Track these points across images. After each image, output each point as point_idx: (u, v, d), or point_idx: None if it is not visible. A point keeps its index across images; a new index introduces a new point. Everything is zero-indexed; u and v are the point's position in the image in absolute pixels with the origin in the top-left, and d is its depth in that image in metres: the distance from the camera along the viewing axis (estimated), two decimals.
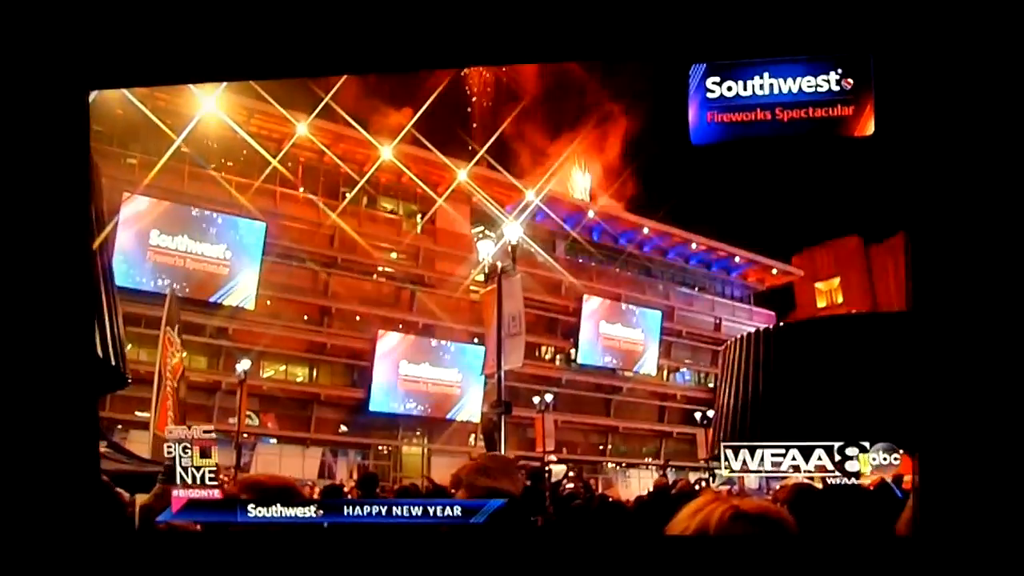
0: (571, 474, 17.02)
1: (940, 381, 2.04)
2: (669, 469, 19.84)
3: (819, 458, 2.04)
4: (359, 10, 2.74)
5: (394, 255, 18.51)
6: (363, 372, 17.14)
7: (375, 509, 2.79)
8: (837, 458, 2.02)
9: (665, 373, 21.23)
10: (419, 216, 18.80)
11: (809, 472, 2.03)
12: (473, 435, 17.49)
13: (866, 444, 2.00)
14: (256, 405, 15.59)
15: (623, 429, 20.31)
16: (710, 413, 15.26)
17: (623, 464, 20.36)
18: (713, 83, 2.54)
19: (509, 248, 17.41)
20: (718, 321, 21.75)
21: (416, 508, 2.79)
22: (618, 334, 19.74)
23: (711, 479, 17.99)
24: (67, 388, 2.80)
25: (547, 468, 16.29)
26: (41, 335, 2.72)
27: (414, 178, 17.33)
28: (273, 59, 2.90)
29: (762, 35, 2.43)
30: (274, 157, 15.64)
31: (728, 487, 18.85)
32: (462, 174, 17.89)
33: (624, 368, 20.03)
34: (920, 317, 2.01)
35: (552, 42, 2.57)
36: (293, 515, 2.84)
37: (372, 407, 16.76)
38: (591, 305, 19.43)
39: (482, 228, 18.57)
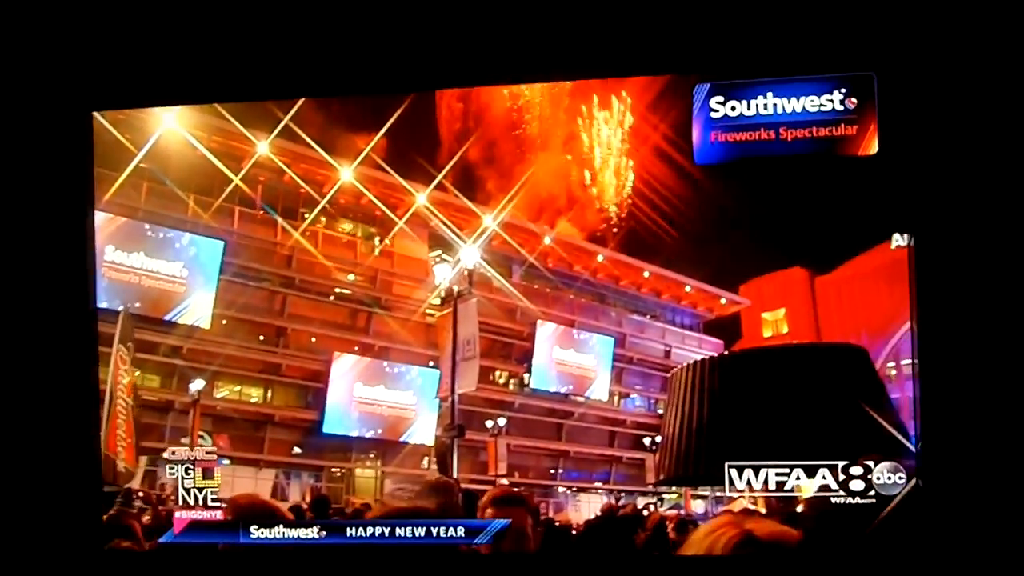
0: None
1: (944, 391, 2.17)
2: (619, 494, 20.17)
3: (823, 477, 2.14)
4: (360, 33, 2.90)
5: (352, 277, 18.56)
6: (318, 394, 17.11)
7: (378, 530, 2.82)
8: (842, 477, 2.13)
9: (616, 399, 21.54)
10: (377, 239, 18.91)
11: (812, 492, 2.11)
12: (427, 458, 17.54)
13: (870, 463, 2.08)
14: (209, 425, 15.45)
15: (574, 453, 20.54)
16: (659, 439, 15.61)
17: (574, 488, 20.57)
18: (717, 102, 2.55)
19: (466, 273, 17.62)
20: (668, 348, 22.17)
21: (420, 529, 2.82)
22: (571, 360, 20.01)
23: (659, 504, 18.33)
24: (69, 410, 2.88)
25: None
26: (41, 354, 2.82)
27: (374, 200, 17.45)
28: (271, 80, 3.07)
29: (766, 55, 2.51)
30: (234, 176, 15.67)
31: (676, 511, 19.22)
32: (421, 198, 18.05)
33: (576, 393, 20.28)
34: (924, 328, 2.15)
35: (557, 61, 2.74)
36: (296, 536, 2.88)
37: (326, 429, 16.73)
38: (545, 331, 19.68)
39: (439, 252, 18.76)
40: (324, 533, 2.87)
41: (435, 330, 18.02)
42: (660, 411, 20.11)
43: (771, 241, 19.70)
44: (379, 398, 17.35)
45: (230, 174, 15.68)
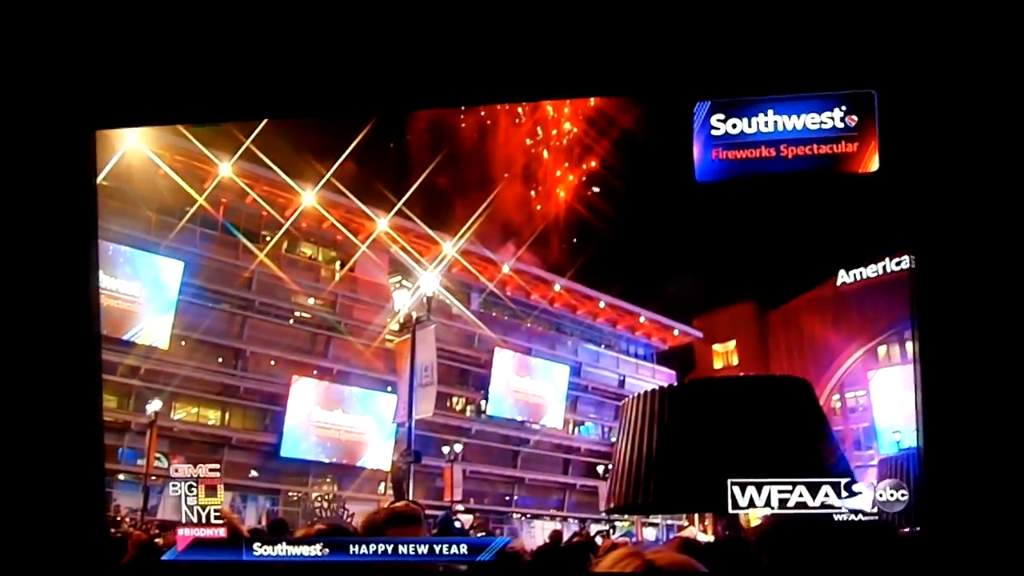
0: (478, 524, 17.28)
1: (946, 408, 2.01)
2: (572, 520, 20.34)
3: (825, 494, 2.05)
4: (361, 53, 2.98)
5: (312, 301, 18.57)
6: (276, 417, 17.00)
7: (380, 548, 2.78)
8: (844, 494, 2.02)
9: (571, 427, 21.80)
10: (338, 263, 18.98)
11: (815, 509, 2.03)
12: (383, 483, 17.52)
13: (872, 481, 2.03)
14: (166, 447, 15.23)
15: (529, 480, 20.69)
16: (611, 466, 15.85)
17: (528, 515, 20.69)
18: (718, 120, 2.53)
19: (425, 299, 17.77)
20: (622, 378, 22.55)
21: (422, 546, 2.80)
22: (527, 387, 20.24)
23: (611, 531, 18.54)
24: (72, 435, 2.88)
25: (456, 519, 16.48)
26: (44, 377, 2.83)
27: (337, 224, 17.57)
28: (273, 100, 3.14)
29: (767, 73, 2.50)
30: (197, 196, 15.67)
31: (628, 539, 19.47)
32: (382, 223, 18.22)
33: (532, 421, 20.49)
34: (926, 345, 1.99)
35: (560, 79, 2.68)
36: (298, 554, 2.87)
37: (283, 452, 16.61)
38: (503, 358, 19.89)
39: (399, 278, 18.88)
40: (327, 551, 2.85)
41: (393, 355, 18.05)
42: (613, 439, 20.41)
43: (723, 276, 20.34)
44: (337, 422, 17.32)
45: (194, 194, 15.68)
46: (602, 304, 22.38)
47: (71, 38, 3.02)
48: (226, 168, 15.99)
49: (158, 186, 15.56)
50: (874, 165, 2.36)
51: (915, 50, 2.18)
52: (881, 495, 2.15)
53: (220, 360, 16.93)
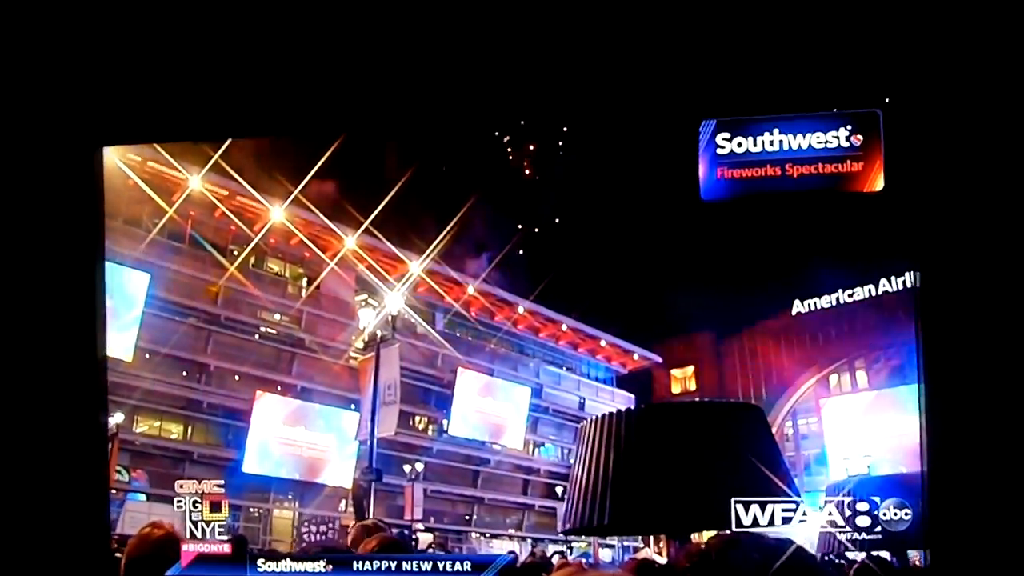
0: (435, 544, 17.37)
1: (955, 426, 1.99)
2: (529, 540, 20.51)
3: (829, 513, 2.06)
4: (368, 70, 2.82)
5: (278, 316, 18.56)
6: (238, 432, 16.90)
7: (384, 564, 2.77)
8: (848, 513, 2.04)
9: (531, 448, 22.01)
10: (305, 280, 19.02)
11: (824, 528, 2.05)
12: (344, 501, 17.50)
13: (877, 499, 2.01)
14: (127, 460, 15.07)
15: (489, 500, 20.81)
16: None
17: (487, 535, 20.79)
18: (723, 139, 2.51)
19: (389, 318, 17.91)
20: (583, 400, 22.86)
21: (426, 563, 2.80)
22: (489, 408, 20.41)
23: (569, 552, 18.72)
24: (76, 447, 2.90)
25: (415, 537, 16.52)
26: (48, 391, 2.86)
27: (306, 240, 17.66)
28: (279, 117, 3.22)
29: (772, 92, 2.48)
30: (164, 209, 15.65)
31: (584, 559, 19.67)
32: (350, 241, 18.35)
33: (492, 441, 20.66)
34: (930, 367, 2.03)
35: (566, 99, 2.67)
36: (303, 570, 2.87)
37: (245, 468, 16.48)
38: (465, 378, 20.06)
39: (365, 296, 19.00)
40: (331, 567, 2.85)
41: (357, 373, 18.11)
42: (572, 461, 20.54)
43: (682, 306, 20.82)
44: (299, 439, 17.28)
45: (164, 204, 15.65)
46: (564, 327, 22.72)
47: (78, 55, 3.07)
48: (196, 181, 16.00)
49: (126, 197, 15.49)
50: (879, 184, 2.36)
51: (920, 70, 2.17)
52: (885, 514, 2.12)
53: (184, 374, 16.81)
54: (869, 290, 23.23)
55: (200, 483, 3.20)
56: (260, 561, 2.90)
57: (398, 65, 2.86)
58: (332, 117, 3.05)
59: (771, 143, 2.44)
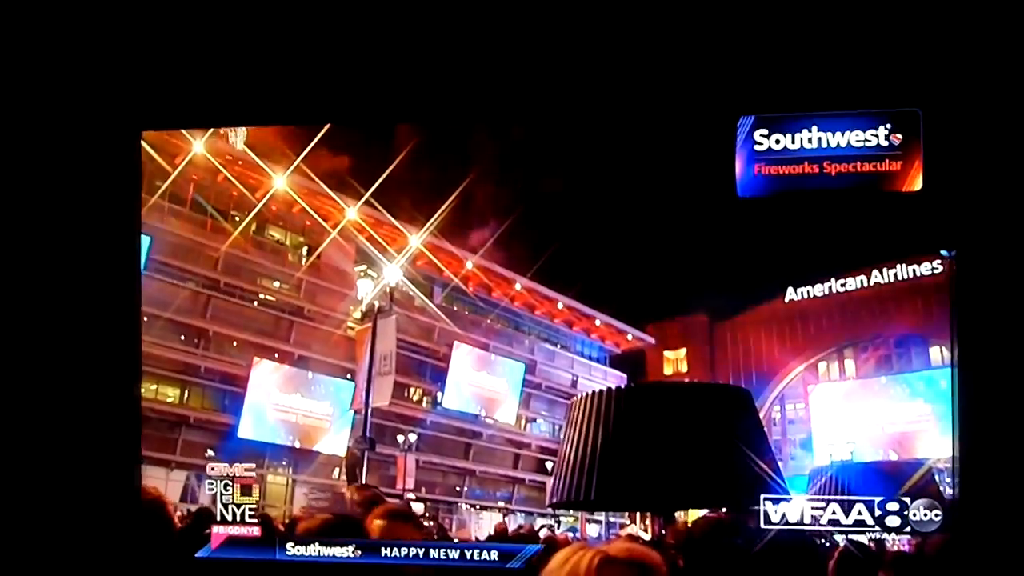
0: (428, 515, 17.55)
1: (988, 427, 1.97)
2: (518, 514, 20.78)
3: (859, 512, 2.02)
4: (405, 61, 2.87)
5: (277, 284, 18.58)
6: (235, 398, 16.99)
7: (412, 551, 2.83)
8: (878, 513, 1.99)
9: (523, 423, 22.22)
10: (305, 248, 19.01)
11: (848, 527, 2.02)
12: (338, 468, 17.67)
13: (907, 500, 1.97)
14: None
15: (480, 473, 21.05)
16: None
17: (477, 507, 21.05)
18: (761, 135, 2.49)
19: (388, 289, 17.96)
20: (575, 378, 23.05)
21: (453, 551, 2.84)
22: (483, 382, 20.55)
23: (556, 525, 19.02)
24: (114, 428, 2.94)
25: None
26: (87, 370, 2.90)
27: (308, 209, 17.62)
28: (319, 105, 3.25)
29: (812, 89, 2.47)
30: (168, 173, 15.55)
31: (571, 534, 19.90)
32: (351, 212, 18.33)
33: (485, 415, 20.85)
34: (967, 371, 1.99)
35: (605, 94, 2.67)
36: (331, 555, 2.90)
37: (241, 434, 16.60)
38: (461, 352, 20.17)
39: (364, 267, 19.03)
40: (359, 552, 2.87)
41: (354, 343, 18.19)
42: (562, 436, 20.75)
43: (678, 287, 20.97)
44: (295, 406, 17.38)
45: (166, 166, 15.54)
46: (560, 305, 22.85)
47: (120, 41, 3.10)
48: (199, 145, 15.92)
49: None
50: (918, 184, 2.31)
51: (962, 70, 2.13)
52: (915, 514, 2.07)
53: (182, 338, 16.84)
54: (861, 280, 23.48)
55: (231, 466, 3.19)
56: (289, 544, 2.93)
57: (440, 57, 2.97)
58: (373, 106, 3.08)
59: (809, 140, 2.43)
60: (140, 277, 3.22)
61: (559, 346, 23.60)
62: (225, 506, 3.13)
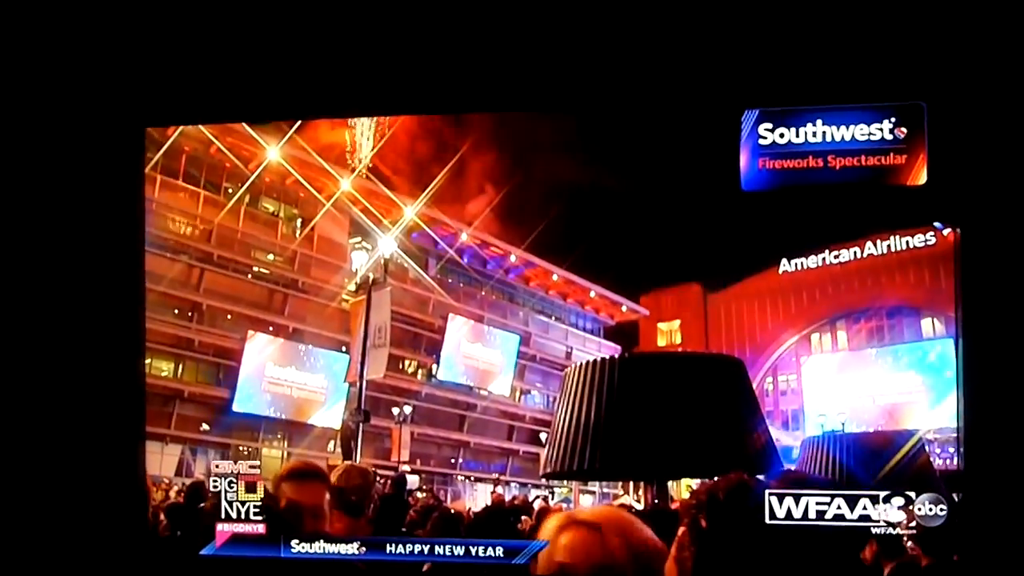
0: (424, 487, 17.67)
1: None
2: (512, 485, 20.94)
3: (863, 507, 2.07)
4: (406, 52, 3.05)
5: (271, 257, 18.45)
6: (229, 371, 16.95)
7: (417, 548, 2.83)
8: (883, 507, 2.06)
9: (518, 395, 22.32)
10: (299, 220, 18.86)
11: (852, 520, 2.09)
12: (333, 441, 17.73)
13: (911, 494, 2.02)
14: None
15: (475, 444, 21.18)
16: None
17: (472, 478, 21.22)
18: (765, 129, 2.50)
19: (382, 261, 17.87)
20: (570, 350, 23.12)
21: (458, 548, 2.83)
22: (478, 354, 20.61)
23: (551, 496, 19.20)
24: (117, 431, 2.94)
25: (401, 475, 16.82)
26: (89, 366, 2.90)
27: (302, 180, 17.45)
28: (325, 98, 3.20)
29: (816, 83, 2.46)
30: (161, 144, 15.33)
31: (565, 504, 20.13)
32: (345, 183, 18.19)
33: (480, 387, 20.92)
34: (971, 375, 2.03)
35: (607, 87, 2.65)
36: (336, 551, 2.86)
37: (236, 407, 16.61)
38: (456, 324, 20.18)
39: (359, 239, 18.91)
40: (364, 549, 2.86)
41: (349, 316, 18.13)
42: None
43: (672, 257, 20.98)
44: (290, 379, 17.38)
45: (158, 137, 15.31)
46: (555, 277, 22.84)
47: (124, 36, 3.05)
48: None
49: None
50: (922, 178, 2.32)
51: (966, 63, 2.15)
52: (920, 509, 2.06)
53: (176, 312, 16.74)
54: (855, 252, 23.54)
55: (236, 464, 3.16)
56: (294, 542, 2.95)
57: (443, 50, 2.88)
58: (373, 98, 3.03)
59: (814, 134, 2.41)
60: (143, 273, 3.12)
61: (553, 318, 23.65)
62: (230, 503, 3.09)
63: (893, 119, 2.38)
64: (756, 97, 2.57)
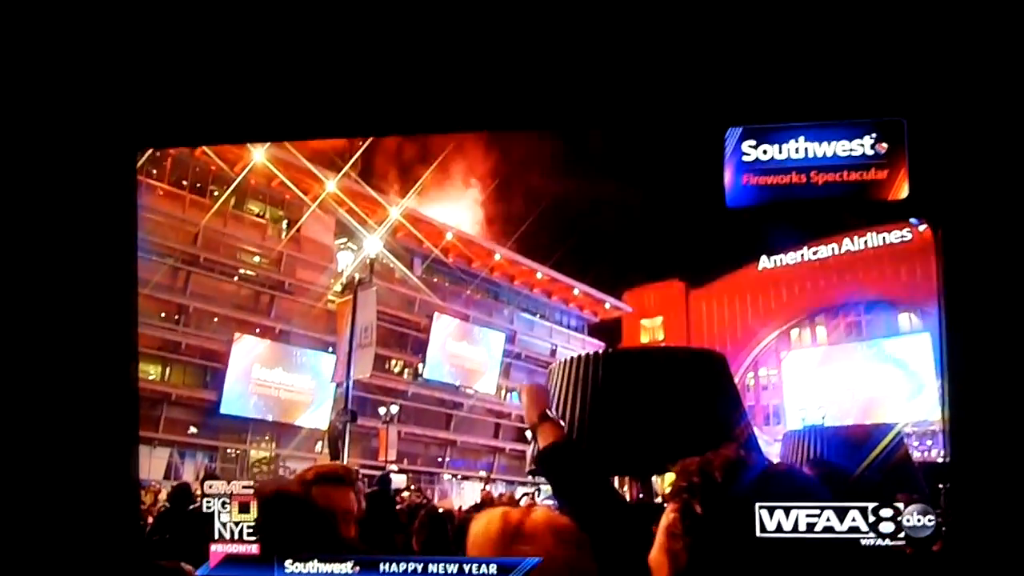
0: (412, 487, 17.75)
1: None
2: (499, 483, 21.11)
3: (853, 519, 2.00)
4: (396, 75, 3.12)
5: (257, 259, 18.45)
6: (217, 374, 16.96)
7: (411, 566, 3.05)
8: (872, 519, 1.99)
9: (503, 393, 22.49)
10: (285, 222, 18.86)
11: (842, 533, 2.22)
12: (320, 442, 17.80)
13: (899, 505, 1.96)
14: None
15: (461, 443, 21.33)
16: None
17: (459, 476, 21.38)
18: (749, 146, 2.39)
19: (368, 261, 17.93)
20: (554, 347, 23.32)
21: (452, 565, 3.12)
22: (463, 352, 20.74)
23: (537, 494, 19.39)
24: (108, 450, 3.00)
25: (388, 475, 16.93)
26: (82, 373, 2.96)
27: (287, 182, 17.46)
28: (318, 120, 3.27)
29: (798, 100, 2.40)
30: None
31: (550, 501, 20.20)
32: (331, 184, 18.21)
33: (466, 385, 21.06)
34: (955, 388, 2.19)
35: (593, 106, 2.92)
36: (329, 571, 3.15)
37: (223, 409, 16.63)
38: (441, 323, 20.30)
39: (345, 240, 18.95)
40: (358, 569, 3.12)
41: (334, 316, 18.17)
42: None
43: (654, 253, 21.21)
44: (277, 381, 17.42)
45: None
46: (539, 275, 23.01)
47: (117, 59, 3.11)
48: None
49: None
50: (904, 192, 2.26)
51: (946, 79, 2.19)
52: (908, 520, 2.01)
53: (163, 315, 16.72)
54: (833, 248, 23.92)
55: (229, 484, 3.23)
56: (288, 562, 3.06)
57: (433, 67, 2.95)
58: (365, 120, 3.21)
59: (796, 151, 2.33)
60: (136, 293, 3.20)
61: (538, 316, 23.82)
62: (224, 524, 3.24)
63: (874, 135, 2.29)
64: (739, 114, 2.39)
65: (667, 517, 1.50)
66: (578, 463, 2.46)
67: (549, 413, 2.49)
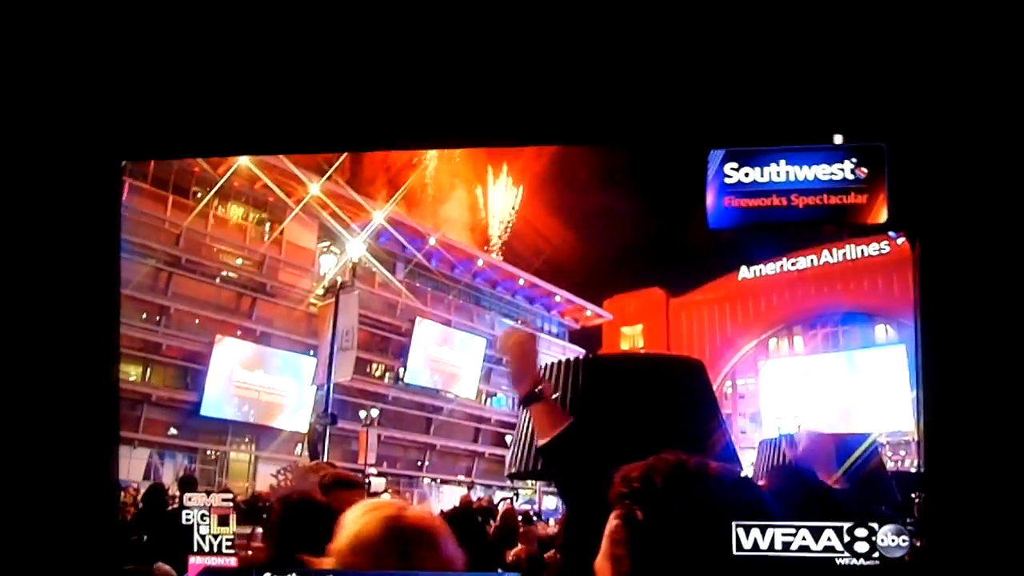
0: (390, 490, 17.80)
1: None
2: (478, 487, 21.18)
3: (828, 539, 2.08)
4: (386, 89, 2.88)
5: (239, 261, 18.44)
6: (197, 375, 16.94)
7: None
8: (847, 539, 2.03)
9: (483, 397, 22.55)
10: (268, 224, 18.87)
11: (817, 553, 2.11)
12: (300, 444, 17.79)
13: (874, 526, 2.00)
14: None
15: (441, 447, 21.37)
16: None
17: (438, 480, 21.41)
18: (731, 169, 2.52)
19: (350, 265, 17.97)
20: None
21: None
22: (445, 357, 20.79)
23: (515, 498, 19.46)
24: (90, 455, 3.00)
25: (367, 480, 16.95)
26: (65, 374, 2.80)
27: (271, 185, 17.48)
28: (304, 134, 3.28)
29: (780, 124, 2.54)
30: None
31: (529, 506, 20.33)
32: (314, 188, 18.25)
33: (446, 390, 21.12)
34: (930, 398, 2.06)
35: (576, 125, 2.71)
36: None
37: (204, 411, 16.59)
38: (423, 328, 20.35)
39: (328, 243, 18.99)
40: None
41: (316, 319, 18.19)
42: None
43: (635, 261, 21.34)
44: (258, 383, 17.41)
45: None
46: (521, 281, 23.10)
47: (102, 71, 3.11)
48: None
49: None
50: (883, 216, 2.39)
51: (926, 105, 2.22)
52: (883, 540, 2.06)
53: (143, 316, 16.68)
54: (811, 259, 24.18)
55: (208, 496, 3.26)
56: (267, 574, 3.08)
57: (419, 81, 2.91)
58: (358, 134, 3.11)
59: (778, 174, 2.49)
60: (118, 301, 3.26)
61: (520, 321, 23.87)
62: (203, 537, 3.24)
63: (854, 160, 2.45)
64: (722, 137, 2.65)
65: (610, 523, 1.49)
66: (587, 451, 2.47)
67: (542, 390, 2.48)
